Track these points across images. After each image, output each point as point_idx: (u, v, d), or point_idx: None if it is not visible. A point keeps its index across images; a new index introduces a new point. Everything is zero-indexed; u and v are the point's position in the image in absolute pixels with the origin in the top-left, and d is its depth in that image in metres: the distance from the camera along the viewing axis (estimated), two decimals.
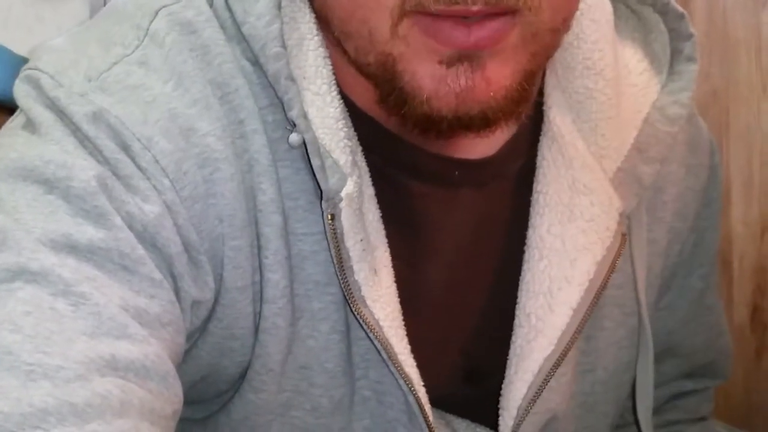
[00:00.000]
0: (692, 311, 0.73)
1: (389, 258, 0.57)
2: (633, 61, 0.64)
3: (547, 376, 0.59)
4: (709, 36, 1.33)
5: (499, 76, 0.49)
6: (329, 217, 0.53)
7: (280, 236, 0.54)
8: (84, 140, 0.49)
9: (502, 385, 0.61)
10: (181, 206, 0.50)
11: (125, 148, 0.49)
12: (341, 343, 0.57)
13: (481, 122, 0.51)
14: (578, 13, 0.60)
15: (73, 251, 0.45)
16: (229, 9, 0.54)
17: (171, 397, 0.46)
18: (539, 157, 0.61)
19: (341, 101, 0.55)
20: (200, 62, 0.53)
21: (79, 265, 0.45)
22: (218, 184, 0.52)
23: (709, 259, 0.73)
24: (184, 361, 0.54)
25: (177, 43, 0.53)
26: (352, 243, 0.54)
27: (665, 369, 0.75)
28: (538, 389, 0.60)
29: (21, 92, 0.51)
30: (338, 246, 0.53)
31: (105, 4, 1.33)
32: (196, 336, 0.55)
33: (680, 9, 0.62)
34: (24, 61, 0.80)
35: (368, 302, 0.55)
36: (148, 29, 0.53)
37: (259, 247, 0.54)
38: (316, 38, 0.55)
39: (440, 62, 0.49)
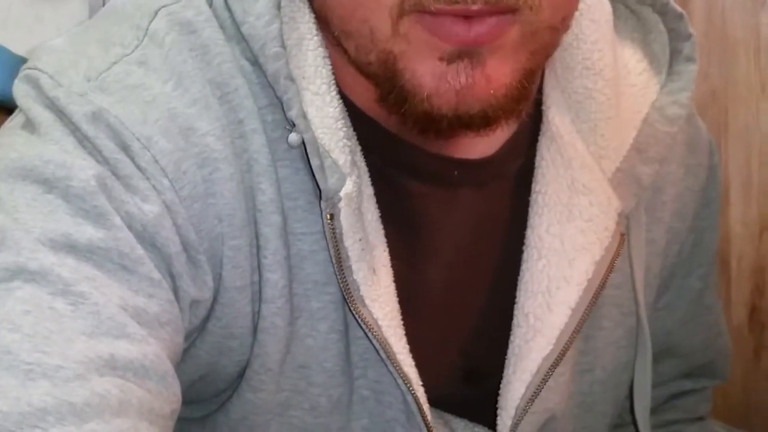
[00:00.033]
0: (691, 311, 0.73)
1: (388, 258, 0.57)
2: (632, 61, 0.64)
3: (545, 375, 0.59)
4: (707, 36, 1.34)
5: (499, 73, 0.49)
6: (328, 216, 0.53)
7: (279, 236, 0.54)
8: (83, 140, 0.49)
9: (501, 385, 0.61)
10: (180, 206, 0.50)
11: (125, 148, 0.49)
12: (340, 342, 0.57)
13: (481, 121, 0.51)
14: (577, 13, 0.60)
15: (73, 251, 0.45)
16: (229, 9, 0.54)
17: (170, 397, 0.46)
18: (538, 157, 0.61)
19: (340, 101, 0.55)
20: (200, 62, 0.53)
21: (78, 264, 0.45)
22: (217, 184, 0.52)
23: (708, 259, 0.73)
24: (182, 361, 0.54)
25: (176, 42, 0.53)
26: (351, 242, 0.54)
27: (664, 369, 0.75)
28: (537, 389, 0.60)
29: (20, 92, 0.51)
30: (337, 246, 0.53)
31: (104, 4, 1.33)
32: (194, 335, 0.55)
33: (679, 9, 0.62)
34: (23, 61, 0.80)
35: (367, 302, 0.55)
36: (147, 29, 0.53)
37: (258, 247, 0.54)
38: (315, 38, 0.55)
39: (441, 59, 0.49)
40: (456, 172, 0.59)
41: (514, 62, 0.50)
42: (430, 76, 0.49)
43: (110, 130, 0.49)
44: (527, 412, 0.60)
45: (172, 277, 0.50)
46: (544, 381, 0.59)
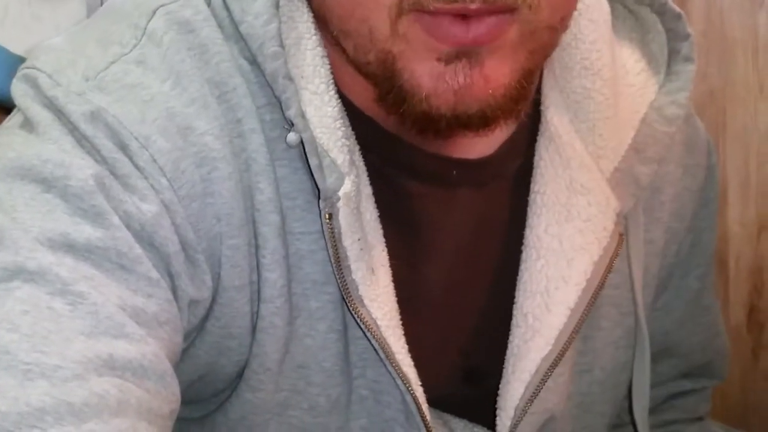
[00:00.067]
0: (689, 311, 0.74)
1: (387, 257, 0.57)
2: (630, 61, 0.64)
3: (544, 376, 0.59)
4: (706, 36, 1.34)
5: (497, 73, 0.49)
6: (327, 216, 0.53)
7: (278, 235, 0.54)
8: (82, 139, 0.49)
9: (500, 385, 0.61)
10: (178, 205, 0.50)
11: (123, 147, 0.49)
12: (338, 342, 0.57)
13: (479, 121, 0.51)
14: (576, 13, 0.60)
15: (71, 250, 0.45)
16: (227, 8, 0.54)
17: (168, 397, 0.46)
18: (537, 157, 0.61)
19: (339, 100, 0.55)
20: (198, 61, 0.53)
21: (77, 264, 0.45)
22: (216, 183, 0.52)
23: (706, 259, 0.73)
24: (181, 361, 0.53)
25: (175, 42, 0.53)
26: (349, 242, 0.54)
27: (662, 369, 0.75)
28: (536, 389, 0.60)
29: (19, 91, 0.51)
30: (336, 245, 0.53)
31: (102, 3, 1.33)
32: (193, 335, 0.55)
33: (677, 9, 0.62)
34: (21, 60, 0.80)
35: (365, 301, 0.55)
36: (145, 28, 0.53)
37: (257, 246, 0.54)
38: (314, 37, 0.55)
39: (439, 59, 0.49)
40: (455, 172, 0.59)
41: (513, 62, 0.50)
42: (429, 76, 0.49)
43: (108, 129, 0.49)
44: (526, 412, 0.60)
45: (171, 277, 0.50)
46: (543, 381, 0.59)
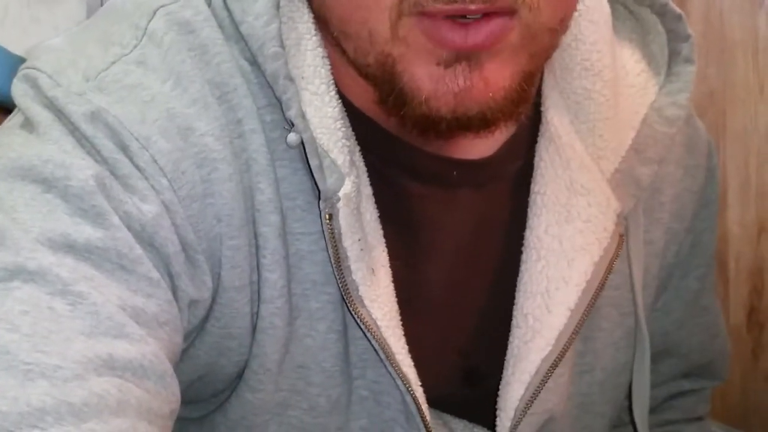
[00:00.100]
0: (689, 312, 0.73)
1: (387, 258, 0.57)
2: (631, 62, 0.64)
3: (544, 376, 0.59)
4: (706, 37, 1.34)
5: (497, 76, 0.49)
6: (327, 216, 0.53)
7: (278, 236, 0.54)
8: (82, 140, 0.49)
9: (500, 386, 0.61)
10: (179, 206, 0.50)
11: (123, 148, 0.49)
12: (338, 342, 0.57)
13: (479, 123, 0.51)
14: (576, 14, 0.60)
15: (71, 250, 0.45)
16: (227, 8, 0.54)
17: (168, 397, 0.46)
18: (537, 158, 0.61)
19: (339, 101, 0.55)
20: (198, 62, 0.53)
21: (77, 264, 0.45)
22: (216, 184, 0.52)
23: (706, 260, 0.73)
24: (181, 361, 0.53)
25: (175, 42, 0.53)
26: (349, 243, 0.54)
27: (662, 369, 0.75)
28: (536, 390, 0.60)
29: (19, 91, 0.51)
30: (336, 246, 0.53)
31: (102, 4, 1.33)
32: (193, 335, 0.55)
33: (678, 10, 0.62)
34: (21, 60, 0.80)
35: (366, 302, 0.55)
36: (146, 29, 0.53)
37: (257, 247, 0.54)
38: (314, 38, 0.55)
39: (438, 63, 0.49)
40: (455, 173, 0.59)
41: (514, 65, 0.50)
42: (428, 78, 0.49)
43: (109, 129, 0.49)
44: (526, 412, 0.60)
45: (171, 277, 0.50)
46: (544, 382, 0.59)
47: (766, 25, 1.31)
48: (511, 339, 0.61)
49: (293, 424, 0.59)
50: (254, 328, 0.55)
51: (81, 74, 0.51)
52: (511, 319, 0.61)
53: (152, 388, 0.45)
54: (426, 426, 0.58)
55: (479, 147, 0.59)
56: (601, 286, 0.60)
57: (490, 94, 0.50)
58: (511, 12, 0.48)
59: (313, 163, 0.53)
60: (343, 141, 0.54)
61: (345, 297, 0.54)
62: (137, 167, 0.49)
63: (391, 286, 0.57)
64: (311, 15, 0.55)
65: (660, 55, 0.63)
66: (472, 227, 0.61)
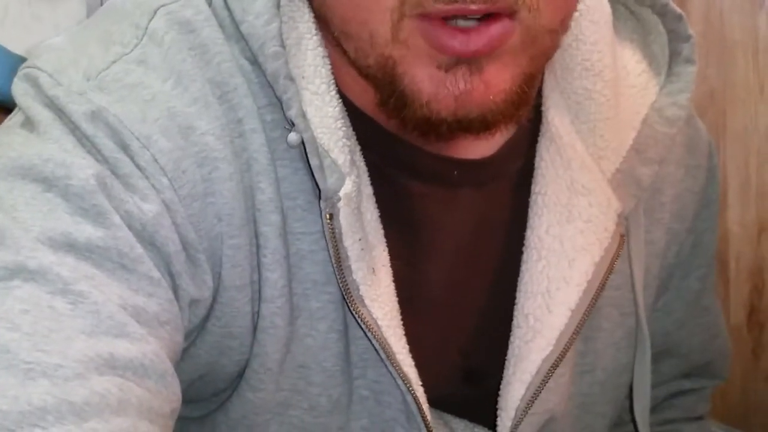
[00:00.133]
0: (689, 312, 0.74)
1: (388, 257, 0.57)
2: (632, 62, 0.64)
3: (545, 376, 0.59)
4: (706, 37, 1.34)
5: (498, 79, 0.50)
6: (327, 216, 0.53)
7: (279, 235, 0.54)
8: (83, 139, 0.49)
9: (501, 386, 0.61)
10: (179, 205, 0.50)
11: (124, 147, 0.49)
12: (339, 342, 0.57)
13: (480, 125, 0.51)
14: (577, 14, 0.60)
15: (72, 250, 0.45)
16: (228, 8, 0.54)
17: (169, 396, 0.46)
18: (538, 158, 0.61)
19: (340, 100, 0.55)
20: (199, 61, 0.53)
21: (78, 263, 0.45)
22: (217, 183, 0.52)
23: (707, 260, 0.73)
24: (182, 360, 0.53)
25: (176, 41, 0.53)
26: (350, 242, 0.54)
27: (663, 369, 0.75)
28: (537, 390, 0.60)
29: (19, 90, 0.51)
30: (336, 245, 0.53)
31: (102, 3, 1.33)
32: (194, 335, 0.55)
33: (679, 10, 0.62)
34: (21, 60, 0.80)
35: (366, 301, 0.55)
36: (146, 28, 0.53)
37: (258, 246, 0.54)
38: (314, 37, 0.55)
39: (439, 67, 0.49)
40: (456, 172, 0.59)
41: (515, 67, 0.50)
42: (429, 81, 0.49)
43: (109, 129, 0.49)
44: (527, 412, 0.60)
45: (172, 276, 0.50)
46: (544, 382, 0.59)
47: (767, 26, 1.31)
48: (511, 339, 0.61)
49: (294, 423, 0.59)
50: (255, 328, 0.55)
51: (82, 73, 0.51)
52: (511, 319, 0.61)
53: (153, 388, 0.45)
54: (427, 426, 0.58)
55: (480, 146, 0.59)
56: (602, 287, 0.60)
57: (491, 97, 0.50)
58: (511, 12, 0.48)
59: (314, 162, 0.53)
60: (344, 140, 0.54)
61: (346, 296, 0.54)
62: (138, 166, 0.49)
63: (392, 286, 0.57)
64: (312, 14, 0.55)
65: (661, 56, 0.63)
66: (472, 227, 0.61)
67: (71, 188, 0.46)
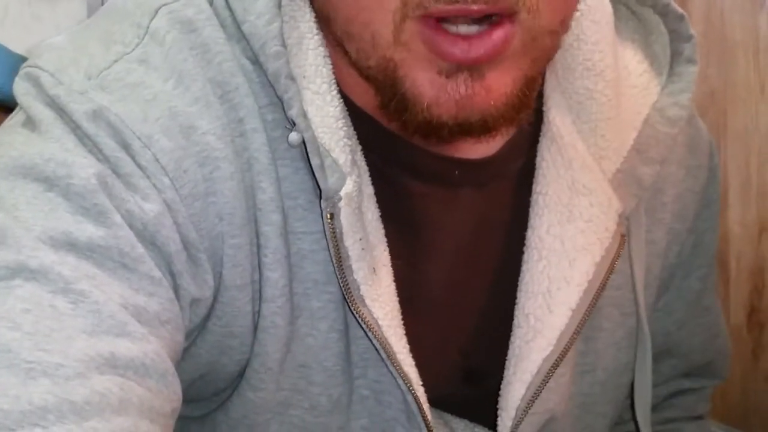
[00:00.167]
0: (690, 312, 0.74)
1: (388, 257, 0.57)
2: (633, 62, 0.64)
3: (545, 376, 0.59)
4: (706, 37, 1.34)
5: (499, 83, 0.50)
6: (328, 216, 0.53)
7: (280, 235, 0.54)
8: (84, 138, 0.49)
9: (501, 386, 0.61)
10: (180, 204, 0.50)
11: (125, 147, 0.49)
12: (340, 341, 0.57)
13: (481, 128, 0.51)
14: (578, 14, 0.60)
15: (73, 249, 0.45)
16: (229, 8, 0.54)
17: (170, 395, 0.46)
18: (539, 158, 0.61)
19: (341, 100, 0.55)
20: (200, 60, 0.53)
21: (79, 262, 0.45)
22: (218, 183, 0.52)
23: (708, 260, 0.73)
24: (183, 359, 0.54)
25: (177, 41, 0.53)
26: (351, 242, 0.54)
27: (663, 369, 0.75)
28: (537, 390, 0.60)
29: (21, 90, 0.51)
30: (337, 245, 0.53)
31: (103, 3, 1.33)
32: (195, 334, 0.55)
33: (680, 10, 0.62)
34: (22, 59, 0.80)
35: (367, 301, 0.55)
36: (148, 27, 0.53)
37: (259, 246, 0.54)
38: (315, 37, 0.55)
39: (439, 73, 0.49)
40: (456, 172, 0.59)
41: (516, 71, 0.50)
42: (430, 85, 0.49)
43: (111, 128, 0.49)
44: (528, 412, 0.60)
45: (173, 276, 0.50)
46: (545, 382, 0.59)
47: (767, 25, 1.31)
48: (512, 339, 0.61)
49: (294, 423, 0.59)
50: (256, 327, 0.55)
51: (83, 73, 0.51)
52: (512, 319, 0.61)
53: (154, 387, 0.45)
54: (427, 425, 0.58)
55: (481, 147, 0.59)
56: (603, 286, 0.60)
57: (492, 102, 0.50)
58: (511, 13, 0.48)
59: (315, 162, 0.53)
60: (345, 140, 0.54)
61: (346, 296, 0.54)
62: (139, 166, 0.49)
63: (393, 286, 0.57)
64: (313, 14, 0.55)
65: (662, 56, 0.63)
66: (473, 227, 0.61)
67: (72, 187, 0.46)
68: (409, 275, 0.58)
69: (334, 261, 0.54)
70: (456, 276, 0.61)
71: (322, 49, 0.55)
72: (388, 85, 0.51)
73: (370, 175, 0.57)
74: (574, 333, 0.59)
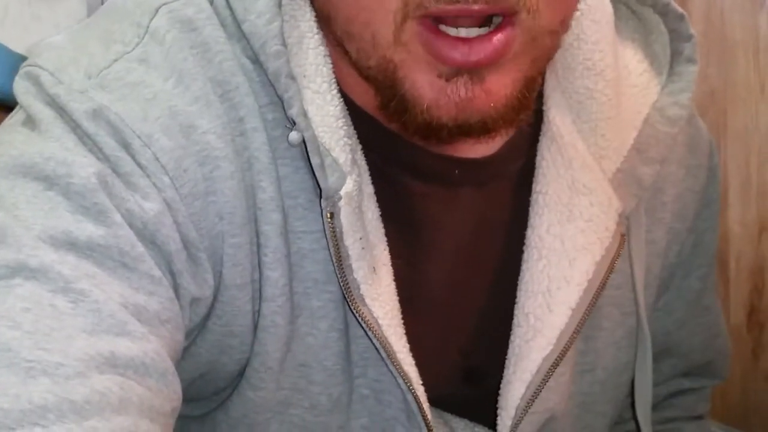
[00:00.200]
0: (690, 312, 0.74)
1: (388, 256, 0.57)
2: (633, 61, 0.64)
3: (545, 376, 0.59)
4: (706, 37, 1.34)
5: (499, 86, 0.50)
6: (328, 215, 0.53)
7: (280, 234, 0.54)
8: (84, 137, 0.49)
9: (501, 385, 0.61)
10: (180, 204, 0.50)
11: (125, 146, 0.49)
12: (340, 341, 0.57)
13: (480, 130, 0.52)
14: (578, 13, 0.60)
15: (73, 248, 0.45)
16: (230, 7, 0.54)
17: (170, 395, 0.46)
18: (539, 157, 0.61)
19: (341, 99, 0.55)
20: (200, 60, 0.53)
21: (79, 262, 0.45)
22: (218, 182, 0.52)
23: (708, 259, 0.73)
24: (183, 359, 0.53)
25: (177, 40, 0.53)
26: (351, 241, 0.54)
27: (663, 368, 0.75)
28: (537, 389, 0.60)
29: (21, 89, 0.51)
30: (337, 244, 0.53)
31: (102, 2, 1.33)
32: (195, 333, 0.55)
33: (680, 10, 0.62)
34: (22, 58, 0.80)
35: (367, 300, 0.55)
36: (148, 27, 0.53)
37: (259, 245, 0.54)
38: (316, 36, 0.55)
39: (439, 76, 0.49)
40: (457, 172, 0.59)
41: (516, 72, 0.50)
42: (429, 87, 0.50)
43: (111, 127, 0.49)
44: (527, 412, 0.60)
45: (173, 275, 0.50)
46: (545, 381, 0.59)
47: (767, 25, 1.31)
48: (512, 338, 0.61)
49: (294, 422, 0.59)
50: (256, 326, 0.55)
51: (83, 72, 0.51)
52: (511, 319, 0.61)
53: (154, 386, 0.45)
54: (427, 425, 0.58)
55: (481, 146, 0.59)
56: (603, 286, 0.60)
57: (492, 104, 0.50)
58: (512, 13, 0.48)
59: (315, 161, 0.53)
60: (345, 139, 0.54)
61: (346, 295, 0.54)
62: (139, 165, 0.49)
63: (393, 285, 0.57)
64: (313, 14, 0.55)
65: (662, 55, 0.63)
66: (473, 226, 0.61)
67: (72, 187, 0.46)
68: (409, 275, 0.58)
69: (334, 260, 0.54)
70: (456, 275, 0.61)
71: (322, 48, 0.55)
72: (387, 86, 0.51)
73: (370, 175, 0.57)
74: (573, 332, 0.59)
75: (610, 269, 0.60)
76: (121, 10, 0.56)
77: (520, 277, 0.61)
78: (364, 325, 0.55)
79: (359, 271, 0.54)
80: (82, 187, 0.46)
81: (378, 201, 0.57)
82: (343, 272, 0.54)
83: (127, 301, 0.45)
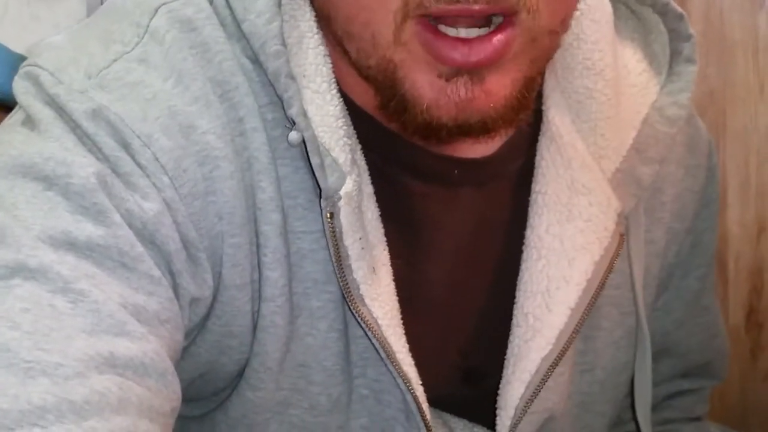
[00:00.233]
0: (688, 312, 0.74)
1: (388, 257, 0.57)
2: (632, 61, 0.64)
3: (544, 375, 0.59)
4: (706, 37, 1.34)
5: (499, 86, 0.50)
6: (328, 215, 0.53)
7: (279, 234, 0.54)
8: (83, 137, 0.49)
9: (500, 385, 0.61)
10: (180, 204, 0.50)
11: (125, 146, 0.49)
12: (339, 341, 0.57)
13: (480, 130, 0.52)
14: (578, 13, 0.60)
15: (72, 248, 0.45)
16: (229, 7, 0.54)
17: (169, 395, 0.46)
18: (538, 157, 0.61)
19: (341, 99, 0.55)
20: (200, 60, 0.53)
21: (78, 262, 0.45)
22: (218, 182, 0.52)
23: (707, 260, 0.73)
24: (182, 359, 0.53)
25: (177, 40, 0.53)
26: (350, 241, 0.54)
27: (661, 369, 0.75)
28: (536, 389, 0.60)
29: (20, 89, 0.51)
30: (337, 244, 0.53)
31: (102, 2, 1.33)
32: (194, 333, 0.55)
33: (680, 10, 0.62)
34: (21, 58, 0.80)
35: (366, 301, 0.55)
36: (147, 26, 0.53)
37: (258, 245, 0.54)
38: (315, 36, 0.55)
39: (439, 76, 0.49)
40: (456, 171, 0.59)
41: (515, 72, 0.50)
42: (429, 87, 0.50)
43: (110, 127, 0.49)
44: (526, 412, 0.60)
45: (172, 275, 0.50)
46: (544, 381, 0.59)
47: (767, 25, 1.31)
48: (511, 338, 0.61)
49: (294, 422, 0.59)
50: (255, 327, 0.55)
51: (83, 72, 0.51)
52: (511, 319, 0.61)
53: (153, 386, 0.45)
54: (426, 425, 0.58)
55: (480, 146, 0.59)
56: (602, 286, 0.60)
57: (491, 105, 0.50)
58: (512, 13, 0.48)
59: (315, 161, 0.53)
60: (345, 139, 0.54)
61: (346, 296, 0.54)
62: (139, 165, 0.49)
63: (392, 285, 0.57)
64: (313, 13, 0.55)
65: (661, 55, 0.63)
66: (473, 226, 0.61)
67: (72, 187, 0.46)
68: (408, 275, 0.58)
69: (334, 260, 0.54)
70: (455, 275, 0.61)
71: (322, 48, 0.55)
72: (387, 86, 0.51)
73: (370, 175, 0.57)
74: (573, 332, 0.59)
75: (609, 269, 0.60)
76: (120, 10, 0.56)
77: (519, 277, 0.61)
78: (363, 326, 0.55)
79: (359, 271, 0.54)
80: (82, 187, 0.46)
81: (378, 201, 0.57)
82: (343, 272, 0.54)
83: (127, 301, 0.45)
